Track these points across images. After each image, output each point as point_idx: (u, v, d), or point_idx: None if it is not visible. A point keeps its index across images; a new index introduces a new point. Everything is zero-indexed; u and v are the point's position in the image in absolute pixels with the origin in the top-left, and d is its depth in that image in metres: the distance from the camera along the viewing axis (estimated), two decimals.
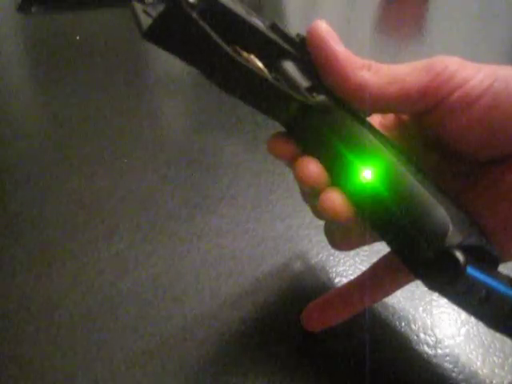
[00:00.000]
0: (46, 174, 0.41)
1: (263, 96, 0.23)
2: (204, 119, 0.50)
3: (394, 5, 0.90)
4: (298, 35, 0.24)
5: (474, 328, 0.29)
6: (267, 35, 0.23)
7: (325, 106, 0.23)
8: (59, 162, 0.43)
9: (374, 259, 0.33)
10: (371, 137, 0.23)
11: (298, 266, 0.33)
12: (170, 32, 0.21)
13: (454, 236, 0.20)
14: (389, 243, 0.23)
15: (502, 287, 0.21)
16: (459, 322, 0.30)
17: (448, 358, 0.28)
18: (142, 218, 0.37)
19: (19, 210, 0.38)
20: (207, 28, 0.21)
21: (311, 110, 0.23)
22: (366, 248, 0.34)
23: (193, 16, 0.20)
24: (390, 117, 0.27)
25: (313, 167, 0.23)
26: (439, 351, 0.28)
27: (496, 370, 0.27)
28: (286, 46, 0.24)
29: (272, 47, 0.24)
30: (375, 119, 0.27)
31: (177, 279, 0.32)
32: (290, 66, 0.24)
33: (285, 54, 0.24)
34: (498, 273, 0.22)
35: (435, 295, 0.31)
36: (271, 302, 0.31)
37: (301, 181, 0.24)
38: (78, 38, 0.67)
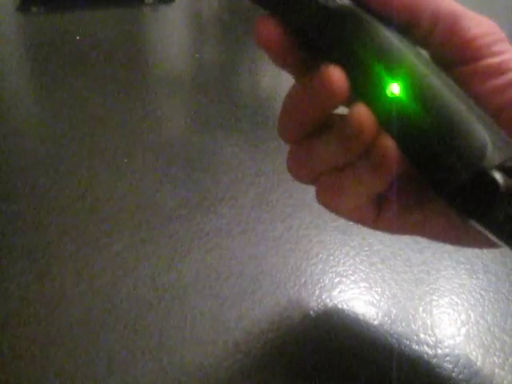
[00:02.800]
0: (45, 174, 0.41)
1: None
2: (204, 119, 0.50)
3: None
4: None
5: (474, 328, 0.29)
6: None
7: (349, 10, 0.21)
8: (59, 161, 0.43)
9: (375, 259, 0.33)
10: (402, 47, 0.20)
11: (297, 266, 0.33)
12: None
13: (493, 156, 0.18)
14: (418, 165, 0.21)
15: None
16: (459, 322, 0.30)
17: (448, 357, 0.28)
18: (141, 218, 0.37)
19: (19, 210, 0.38)
20: None
21: (332, 16, 0.21)
22: (366, 248, 0.34)
23: None
24: None
25: (339, 74, 0.20)
26: (439, 351, 0.28)
27: (496, 370, 0.27)
28: None
29: None
30: None
31: (177, 279, 0.32)
32: None
33: None
34: None
35: (435, 295, 0.31)
36: (271, 302, 0.31)
37: (324, 88, 0.20)
38: (77, 37, 0.67)
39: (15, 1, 0.76)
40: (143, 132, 0.47)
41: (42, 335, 0.29)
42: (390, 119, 0.21)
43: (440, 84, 0.20)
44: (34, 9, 0.74)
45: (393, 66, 0.20)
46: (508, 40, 0.23)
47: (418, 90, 0.20)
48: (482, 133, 0.19)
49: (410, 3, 0.22)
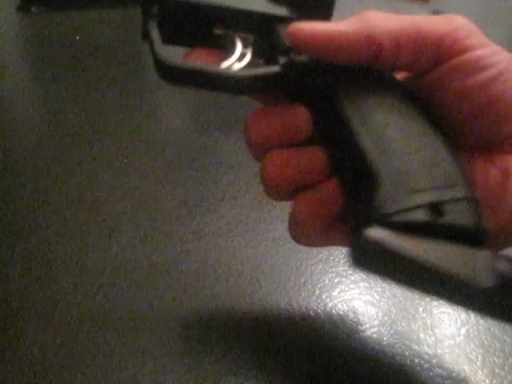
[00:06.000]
0: (45, 174, 0.41)
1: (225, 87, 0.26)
2: (204, 119, 0.50)
3: None
4: None
5: (474, 328, 0.29)
6: (252, 11, 0.25)
7: (305, 62, 0.23)
8: (59, 161, 0.43)
9: None
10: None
11: (297, 266, 0.33)
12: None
13: (384, 207, 0.19)
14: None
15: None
16: (459, 322, 0.30)
17: (448, 358, 0.28)
18: (141, 218, 0.37)
19: (19, 210, 0.38)
20: (154, 34, 0.25)
21: (293, 69, 0.24)
22: None
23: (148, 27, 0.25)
24: None
25: (305, 113, 0.24)
26: (439, 351, 0.28)
27: (496, 370, 0.27)
28: (278, 11, 0.25)
29: (261, 20, 0.25)
30: None
31: (177, 279, 0.32)
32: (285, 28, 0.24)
33: (277, 20, 0.25)
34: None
35: None
36: (271, 302, 0.31)
37: (293, 122, 0.24)
38: (77, 37, 0.67)
39: (15, 1, 0.76)
40: (143, 132, 0.47)
41: (42, 335, 0.29)
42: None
43: (363, 131, 0.21)
44: (34, 9, 0.74)
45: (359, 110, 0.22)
46: (480, 33, 0.23)
47: (355, 140, 0.22)
48: (376, 184, 0.20)
49: (361, 40, 0.22)
